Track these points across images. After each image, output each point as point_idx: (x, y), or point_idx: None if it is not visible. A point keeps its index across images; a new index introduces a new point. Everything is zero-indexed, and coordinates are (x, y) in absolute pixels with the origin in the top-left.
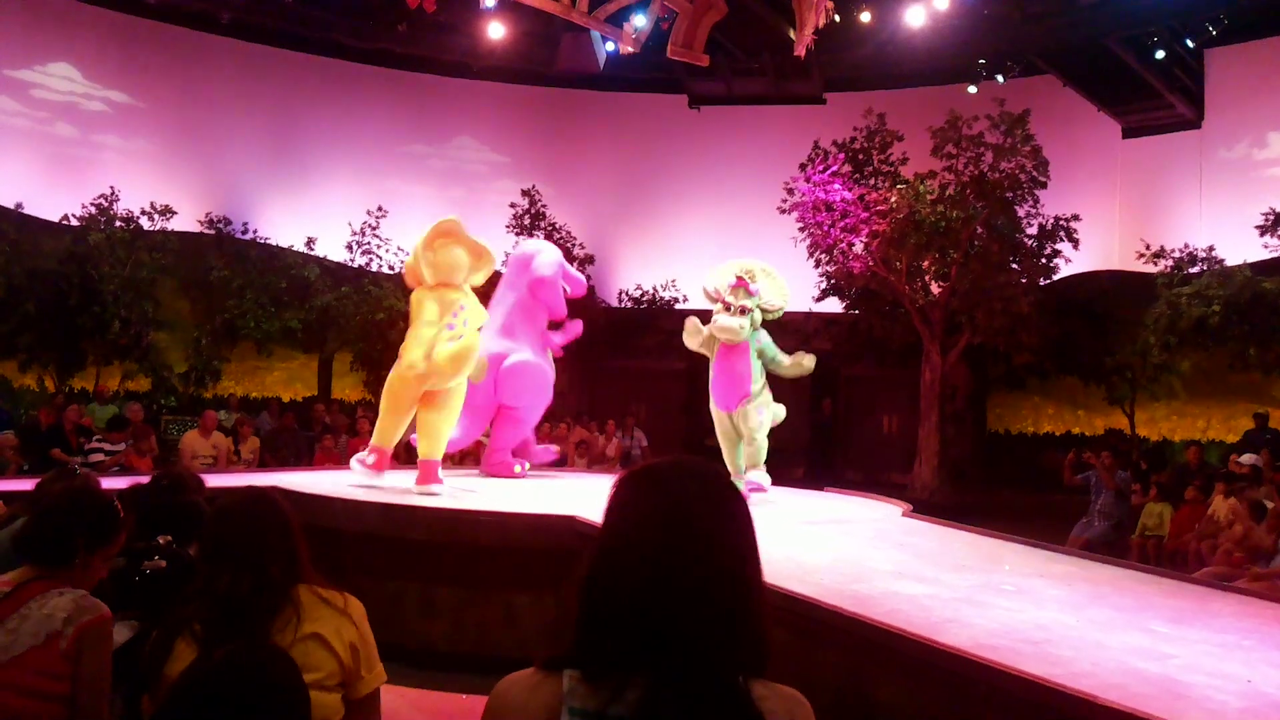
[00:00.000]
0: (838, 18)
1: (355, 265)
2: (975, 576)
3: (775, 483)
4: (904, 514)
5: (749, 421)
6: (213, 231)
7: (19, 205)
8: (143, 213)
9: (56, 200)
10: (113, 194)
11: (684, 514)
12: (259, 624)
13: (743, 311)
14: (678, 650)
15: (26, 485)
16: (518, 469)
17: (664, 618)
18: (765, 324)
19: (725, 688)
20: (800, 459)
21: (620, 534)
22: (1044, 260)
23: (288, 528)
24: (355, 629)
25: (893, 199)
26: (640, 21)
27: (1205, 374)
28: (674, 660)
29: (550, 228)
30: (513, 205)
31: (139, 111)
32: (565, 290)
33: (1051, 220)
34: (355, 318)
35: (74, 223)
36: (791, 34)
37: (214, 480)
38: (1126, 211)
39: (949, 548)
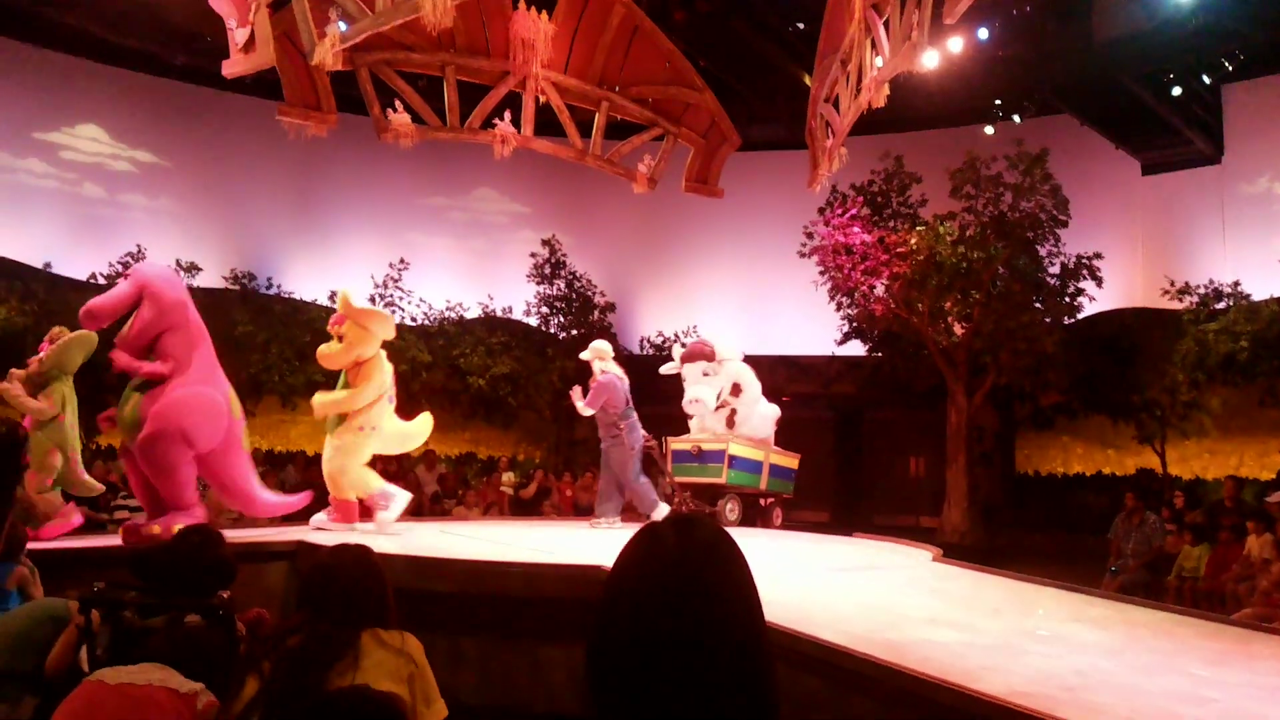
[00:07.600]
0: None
1: None
2: (1009, 622)
3: (801, 528)
4: (935, 559)
5: None
6: (237, 287)
7: (47, 265)
8: None
9: (84, 259)
10: (139, 252)
11: (681, 571)
12: (319, 672)
13: None
14: (681, 710)
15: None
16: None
17: (667, 678)
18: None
19: None
20: (826, 504)
21: (619, 596)
22: (1067, 299)
23: (383, 594)
24: (413, 664)
25: (913, 241)
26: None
27: (1236, 410)
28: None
29: (571, 276)
30: (533, 255)
31: (165, 171)
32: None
33: (1074, 259)
34: None
35: (101, 281)
36: (807, 80)
37: (239, 535)
38: (1149, 248)
39: (982, 593)
